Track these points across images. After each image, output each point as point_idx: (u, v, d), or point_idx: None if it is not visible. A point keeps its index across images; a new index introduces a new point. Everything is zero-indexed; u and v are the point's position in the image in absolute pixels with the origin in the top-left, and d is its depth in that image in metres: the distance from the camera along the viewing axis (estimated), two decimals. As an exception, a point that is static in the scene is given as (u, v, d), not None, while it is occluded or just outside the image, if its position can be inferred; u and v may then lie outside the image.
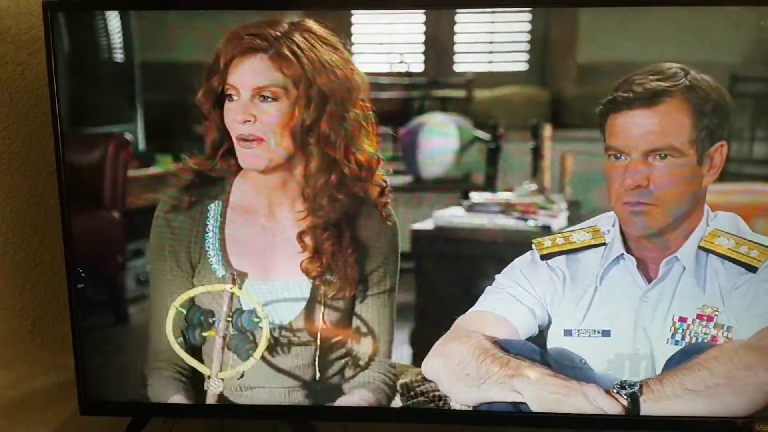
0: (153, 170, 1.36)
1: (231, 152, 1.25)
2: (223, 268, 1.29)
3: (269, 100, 1.19)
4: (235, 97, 1.20)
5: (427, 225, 1.41)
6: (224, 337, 1.28)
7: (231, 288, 1.26)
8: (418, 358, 1.32)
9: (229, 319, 1.27)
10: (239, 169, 1.27)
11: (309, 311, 1.30)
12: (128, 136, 1.36)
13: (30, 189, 1.50)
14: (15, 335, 1.54)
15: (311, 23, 1.21)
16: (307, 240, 1.27)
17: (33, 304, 1.56)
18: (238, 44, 1.19)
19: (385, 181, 1.28)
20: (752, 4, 1.22)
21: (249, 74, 1.19)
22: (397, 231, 1.30)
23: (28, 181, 1.49)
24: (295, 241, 1.28)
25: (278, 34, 1.19)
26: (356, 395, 1.32)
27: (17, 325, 1.54)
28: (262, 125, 1.20)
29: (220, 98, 1.22)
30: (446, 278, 1.39)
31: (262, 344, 1.27)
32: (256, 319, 1.27)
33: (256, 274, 1.30)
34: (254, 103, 1.19)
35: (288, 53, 1.18)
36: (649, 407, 1.16)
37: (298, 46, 1.18)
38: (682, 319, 1.23)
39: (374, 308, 1.31)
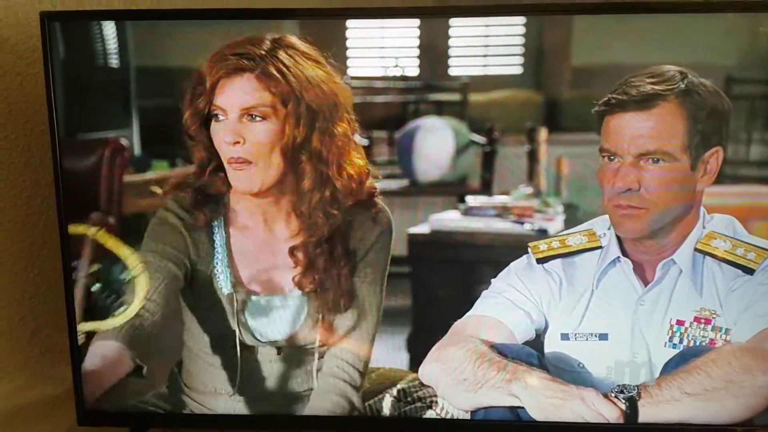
0: (149, 175, 1.36)
1: (220, 168, 1.24)
2: (230, 285, 1.28)
3: (257, 119, 1.18)
4: (222, 118, 1.20)
5: (423, 229, 1.41)
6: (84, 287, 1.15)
7: (94, 233, 1.13)
8: (415, 363, 1.32)
9: (94, 269, 1.17)
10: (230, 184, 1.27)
11: (307, 325, 1.29)
12: (124, 142, 1.36)
13: (29, 199, 1.50)
14: (14, 345, 1.54)
15: (293, 39, 1.20)
16: (300, 255, 1.27)
17: (32, 314, 1.55)
18: (224, 65, 1.18)
19: (375, 187, 1.28)
20: (742, 10, 1.22)
21: (237, 95, 1.18)
22: (390, 227, 1.29)
23: (27, 191, 1.49)
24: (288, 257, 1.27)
25: (263, 52, 1.17)
26: (325, 402, 1.31)
27: (16, 335, 1.54)
28: (252, 146, 1.19)
29: (206, 119, 1.22)
30: (443, 282, 1.39)
31: (136, 304, 1.17)
32: (124, 275, 1.16)
33: (261, 289, 1.30)
34: (242, 123, 1.18)
35: (275, 72, 1.17)
36: (647, 412, 1.16)
37: (284, 64, 1.17)
38: (680, 322, 1.22)
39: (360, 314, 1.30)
